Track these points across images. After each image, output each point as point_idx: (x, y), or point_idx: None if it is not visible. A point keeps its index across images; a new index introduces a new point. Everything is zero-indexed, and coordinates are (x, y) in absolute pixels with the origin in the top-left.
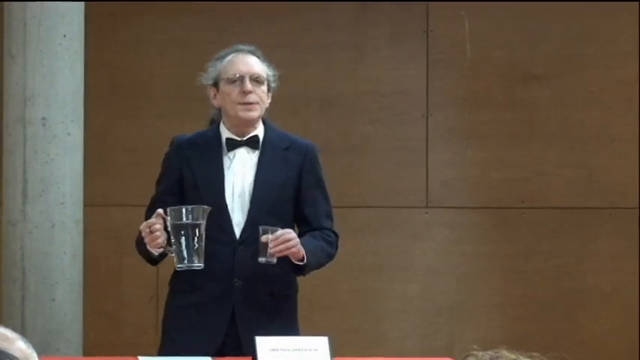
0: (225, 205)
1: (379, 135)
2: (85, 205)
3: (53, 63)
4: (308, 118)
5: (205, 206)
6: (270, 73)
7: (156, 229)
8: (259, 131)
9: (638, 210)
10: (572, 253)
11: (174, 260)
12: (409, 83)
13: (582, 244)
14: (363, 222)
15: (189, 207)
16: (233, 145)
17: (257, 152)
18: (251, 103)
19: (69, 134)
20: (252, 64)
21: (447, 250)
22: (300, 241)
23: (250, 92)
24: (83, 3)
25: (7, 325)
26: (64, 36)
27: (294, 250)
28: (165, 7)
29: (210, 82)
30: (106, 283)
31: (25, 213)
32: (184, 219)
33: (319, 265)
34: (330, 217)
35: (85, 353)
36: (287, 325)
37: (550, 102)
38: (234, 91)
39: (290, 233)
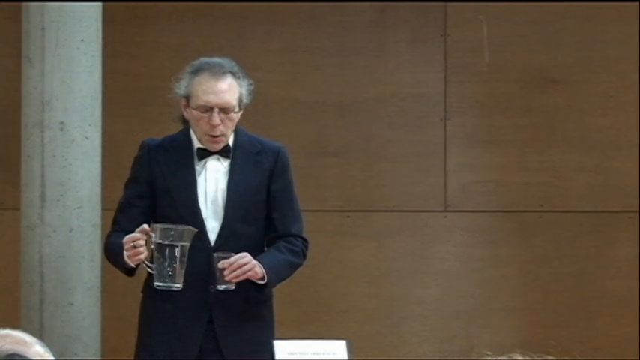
0: (199, 212)
1: (397, 139)
2: (102, 209)
3: (71, 67)
4: (326, 123)
5: (192, 227)
6: (244, 91)
7: (140, 244)
8: (229, 139)
9: None
10: (590, 257)
11: (154, 277)
12: (427, 88)
13: (600, 248)
14: (382, 226)
15: (176, 227)
16: (204, 154)
17: (228, 160)
18: (218, 136)
19: (87, 138)
20: (224, 92)
21: (465, 254)
22: (261, 259)
23: (218, 125)
24: (101, 7)
25: (25, 329)
26: (82, 40)
27: (250, 273)
28: (183, 11)
29: (182, 94)
30: (124, 287)
31: (43, 217)
32: (170, 239)
33: (282, 279)
34: (298, 221)
35: (104, 357)
36: (264, 329)
37: (568, 106)
38: (202, 119)
39: (244, 257)
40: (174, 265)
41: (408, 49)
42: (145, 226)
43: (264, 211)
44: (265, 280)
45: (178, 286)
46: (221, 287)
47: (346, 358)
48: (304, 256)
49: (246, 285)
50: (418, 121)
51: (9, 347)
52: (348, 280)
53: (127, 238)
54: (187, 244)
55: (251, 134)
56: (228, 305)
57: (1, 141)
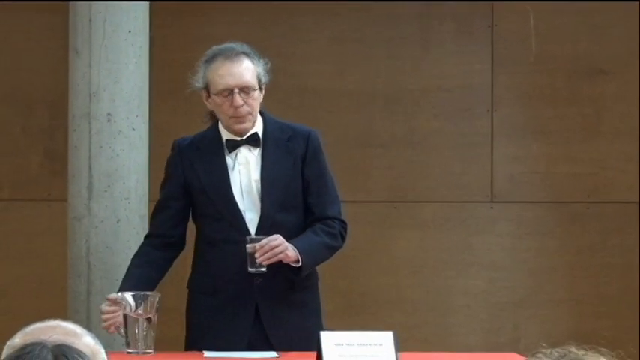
0: (236, 206)
1: (444, 130)
2: (149, 201)
3: (118, 58)
4: (373, 114)
5: (155, 293)
6: (261, 70)
7: (110, 318)
8: (258, 127)
9: None
10: (637, 247)
11: (126, 343)
12: (474, 78)
13: None
14: (428, 217)
15: (141, 294)
16: (234, 145)
17: (259, 149)
18: (243, 116)
19: (134, 129)
20: (241, 73)
21: (512, 245)
22: (295, 242)
23: (241, 105)
24: None
25: (71, 320)
26: (129, 31)
27: (281, 255)
28: (230, 2)
29: (201, 86)
30: (170, 278)
31: (90, 208)
32: (135, 308)
33: (318, 262)
34: (335, 203)
35: None
36: (311, 315)
37: (615, 96)
38: (224, 103)
39: (276, 239)
40: (143, 332)
41: (454, 39)
42: (113, 296)
43: (300, 197)
44: (300, 264)
45: (149, 351)
46: (252, 270)
47: (392, 348)
48: (343, 238)
49: (291, 271)
50: (465, 112)
51: (58, 337)
52: (394, 271)
53: (103, 313)
54: (154, 310)
55: (281, 120)
56: (274, 295)
57: (48, 132)
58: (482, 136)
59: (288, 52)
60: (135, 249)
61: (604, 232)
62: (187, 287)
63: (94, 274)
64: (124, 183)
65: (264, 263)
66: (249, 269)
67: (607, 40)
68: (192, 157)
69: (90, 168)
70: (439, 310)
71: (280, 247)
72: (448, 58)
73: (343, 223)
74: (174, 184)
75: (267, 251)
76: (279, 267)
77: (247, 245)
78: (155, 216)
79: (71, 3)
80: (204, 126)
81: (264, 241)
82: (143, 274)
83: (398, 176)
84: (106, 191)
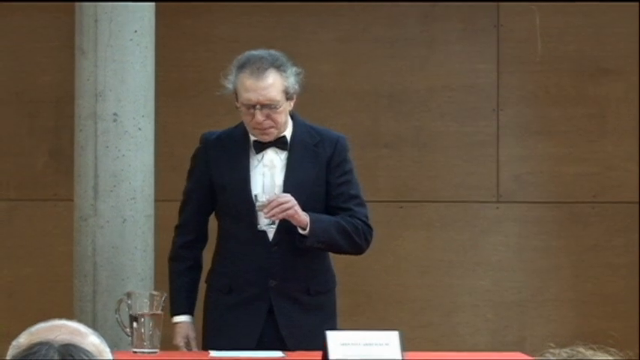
0: (254, 208)
1: (449, 130)
2: (155, 200)
3: (124, 58)
4: (378, 114)
5: (160, 293)
6: (291, 81)
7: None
8: (287, 131)
9: None
10: None
11: (131, 342)
12: (479, 78)
13: None
14: (434, 217)
15: (146, 294)
16: (261, 147)
17: (286, 152)
18: (265, 129)
19: (140, 129)
20: (265, 89)
21: (517, 245)
22: (309, 213)
23: (262, 121)
24: None
25: (78, 320)
26: (135, 31)
27: (290, 212)
28: (235, 3)
29: (231, 90)
30: None
31: (96, 208)
32: (142, 308)
33: (328, 240)
34: (362, 206)
35: None
36: (328, 320)
37: (621, 97)
38: (247, 114)
39: (285, 196)
40: (149, 332)
41: (460, 39)
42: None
43: (323, 202)
44: (307, 230)
45: (155, 351)
46: (261, 227)
47: (398, 348)
48: (367, 240)
49: (307, 276)
50: (470, 112)
51: (64, 337)
52: (400, 271)
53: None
54: (160, 309)
55: (310, 124)
56: (288, 297)
57: (54, 132)
58: (488, 136)
59: (292, 52)
60: (141, 248)
61: (609, 232)
62: (205, 282)
63: (99, 274)
64: (129, 183)
65: (272, 219)
66: (259, 226)
67: (613, 40)
68: (217, 153)
69: (96, 168)
70: (445, 309)
71: (289, 204)
72: (454, 58)
73: (369, 227)
74: (198, 176)
75: (275, 207)
76: (297, 271)
77: (257, 204)
78: (183, 208)
79: (77, 3)
80: (207, 126)
81: (273, 196)
82: (192, 282)
83: (404, 176)
84: (112, 191)
